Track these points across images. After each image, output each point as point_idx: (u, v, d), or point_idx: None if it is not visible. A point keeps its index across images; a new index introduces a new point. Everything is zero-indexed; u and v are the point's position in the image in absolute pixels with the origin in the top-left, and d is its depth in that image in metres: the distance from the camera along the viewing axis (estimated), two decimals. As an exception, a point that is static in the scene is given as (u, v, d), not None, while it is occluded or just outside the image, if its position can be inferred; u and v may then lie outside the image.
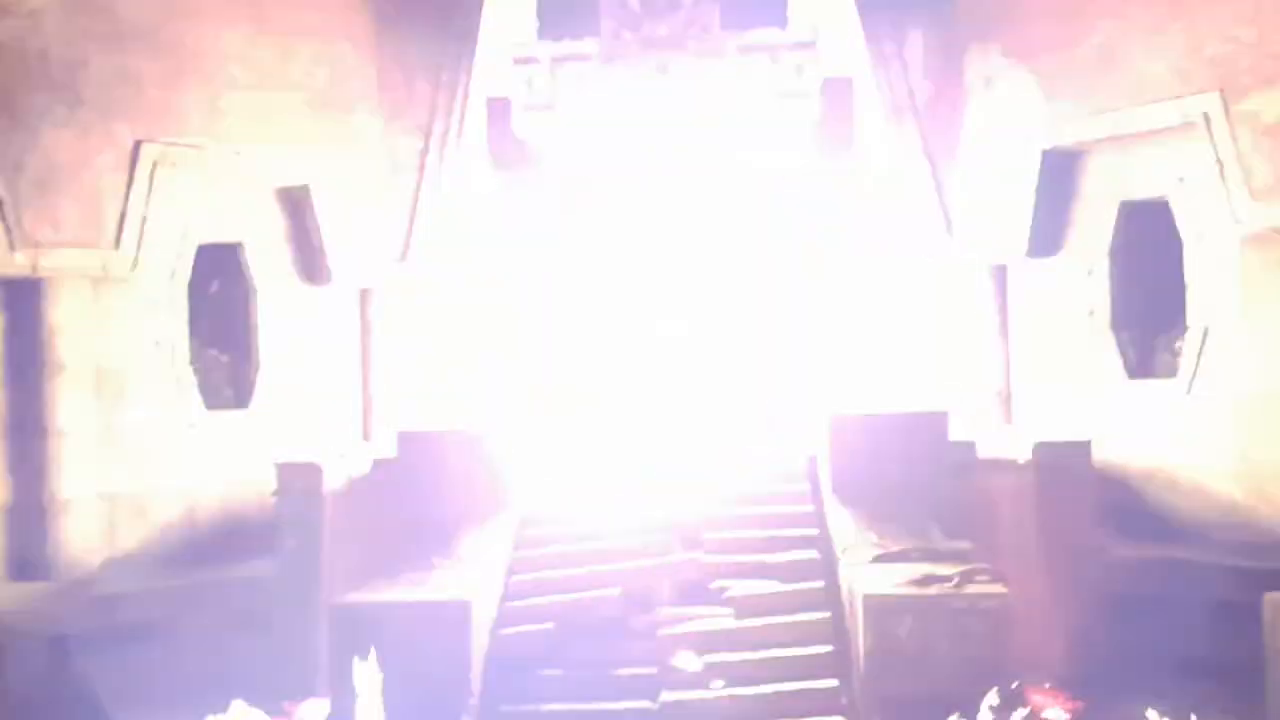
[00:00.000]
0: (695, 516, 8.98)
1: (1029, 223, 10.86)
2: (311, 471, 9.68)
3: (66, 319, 10.05)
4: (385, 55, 11.97)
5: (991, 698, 6.26)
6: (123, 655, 9.27)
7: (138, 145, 10.30)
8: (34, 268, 9.75)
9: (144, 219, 10.35)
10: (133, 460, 10.39)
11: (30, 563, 9.70)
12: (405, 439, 9.36)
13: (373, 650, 7.20)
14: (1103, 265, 10.73)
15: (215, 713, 8.29)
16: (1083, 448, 9.24)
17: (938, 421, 8.96)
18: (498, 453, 9.14)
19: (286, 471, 9.69)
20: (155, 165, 10.44)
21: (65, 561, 9.81)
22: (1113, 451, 9.48)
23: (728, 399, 11.09)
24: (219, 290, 11.99)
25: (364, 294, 11.98)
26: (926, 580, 7.42)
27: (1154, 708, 7.48)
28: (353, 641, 7.52)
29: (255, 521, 9.92)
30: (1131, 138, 10.19)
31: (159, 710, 8.27)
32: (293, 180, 11.44)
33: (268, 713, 8.62)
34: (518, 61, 12.22)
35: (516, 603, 8.36)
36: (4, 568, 9.49)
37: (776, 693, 7.51)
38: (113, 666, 9.14)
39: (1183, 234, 9.96)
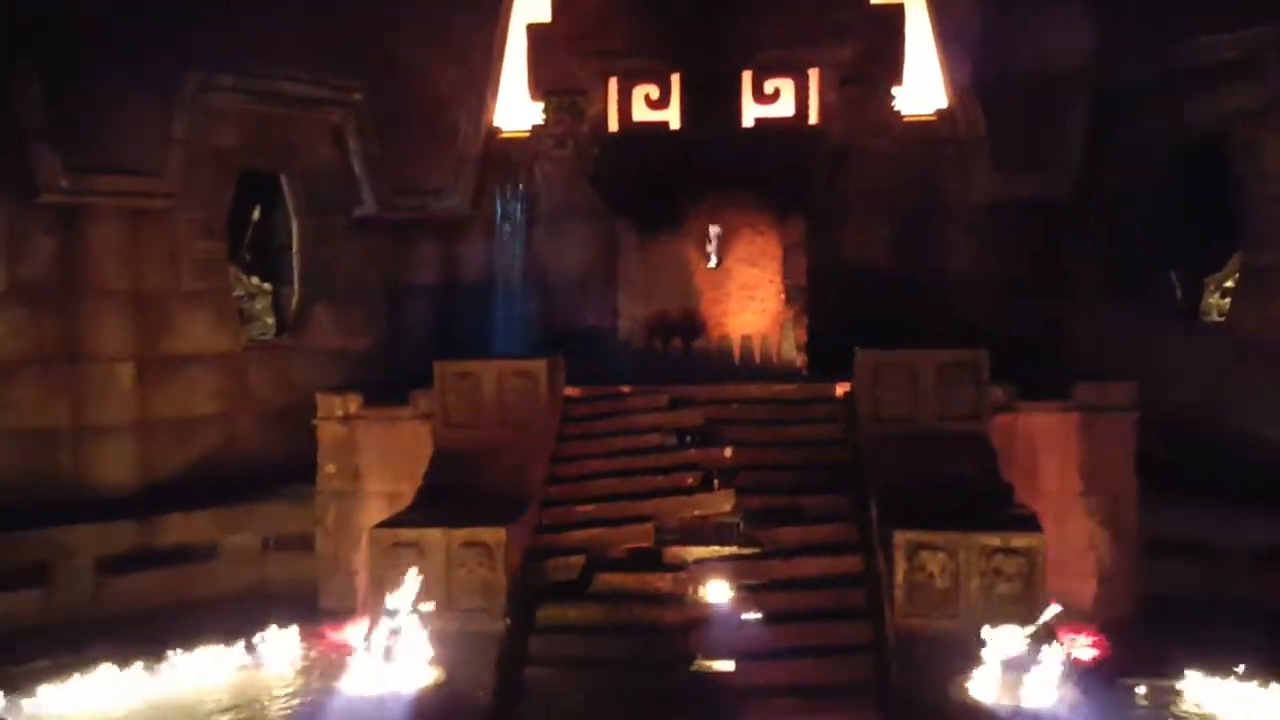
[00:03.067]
0: (730, 450, 8.97)
1: (1079, 157, 10.59)
2: (350, 399, 9.81)
3: (110, 245, 10.18)
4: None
5: (1021, 634, 6.24)
6: (165, 577, 9.54)
7: (181, 72, 10.30)
8: (78, 194, 9.85)
9: (187, 145, 10.40)
10: (174, 387, 10.57)
11: (72, 488, 9.93)
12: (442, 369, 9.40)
13: (411, 573, 7.33)
14: (1151, 202, 10.47)
15: (253, 637, 8.52)
16: (1126, 389, 9.10)
17: (976, 361, 8.83)
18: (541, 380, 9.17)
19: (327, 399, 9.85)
20: (198, 93, 10.46)
21: (106, 486, 10.03)
22: (1156, 393, 9.32)
23: (768, 332, 11.01)
24: (261, 219, 12.07)
25: (397, 225, 11.95)
26: (960, 519, 7.38)
27: (1187, 655, 7.47)
28: (392, 565, 7.64)
29: (295, 446, 10.05)
30: (1187, 73, 9.87)
31: (202, 633, 8.47)
32: (335, 110, 11.40)
33: (307, 635, 8.85)
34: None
35: (551, 534, 8.44)
36: (48, 493, 9.71)
37: (806, 627, 7.55)
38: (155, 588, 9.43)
39: (1237, 172, 9.66)
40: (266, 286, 11.99)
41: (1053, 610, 6.75)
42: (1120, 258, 10.56)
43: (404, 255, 12.12)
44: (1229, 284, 10.29)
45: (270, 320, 11.91)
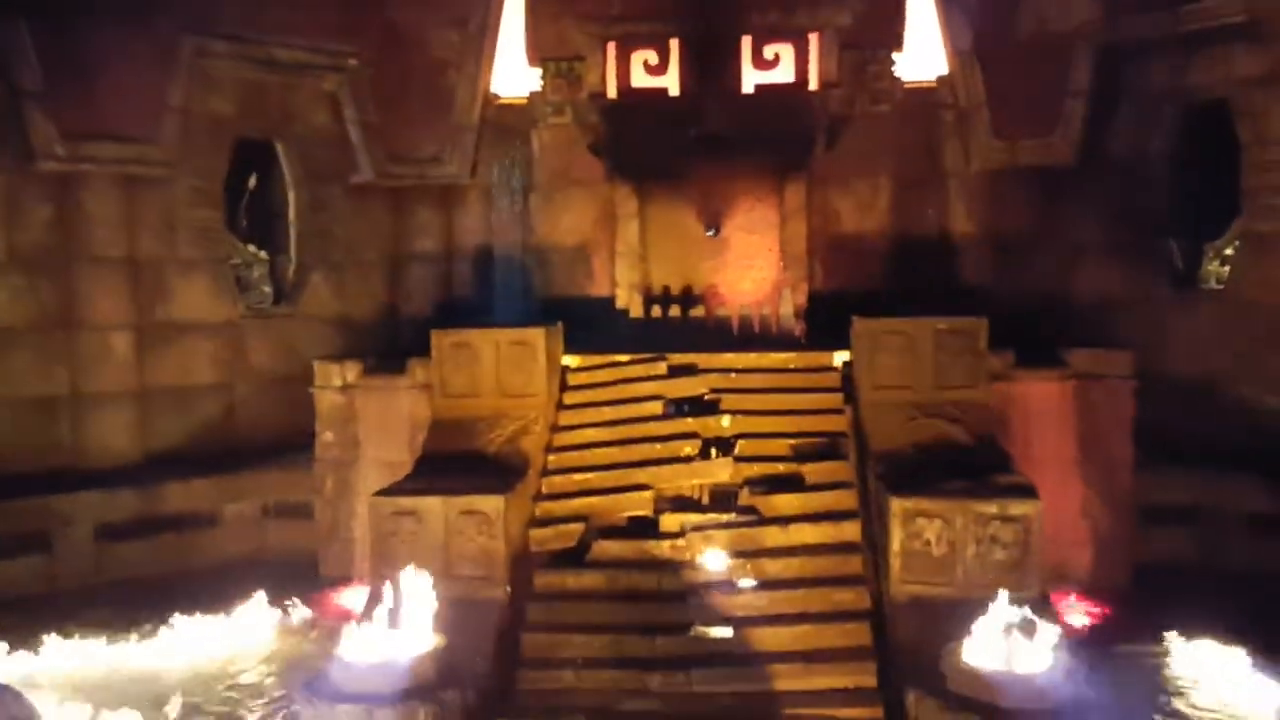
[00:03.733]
0: (728, 419, 8.97)
1: (1080, 123, 10.52)
2: (349, 367, 9.81)
3: (106, 213, 10.13)
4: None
5: (1015, 600, 6.27)
6: (166, 545, 9.58)
7: (177, 38, 10.21)
8: (74, 161, 9.79)
9: (183, 112, 10.33)
10: (172, 355, 10.56)
11: (72, 457, 9.94)
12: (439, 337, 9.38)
13: (412, 540, 7.37)
14: (1152, 168, 10.41)
15: (252, 603, 8.57)
16: (1123, 357, 9.10)
17: (974, 330, 8.82)
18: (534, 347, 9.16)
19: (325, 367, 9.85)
20: (194, 59, 10.37)
21: (106, 454, 10.04)
22: (1154, 360, 9.32)
23: (766, 301, 10.98)
24: (256, 187, 12.00)
25: (394, 193, 11.88)
26: (957, 486, 7.40)
27: (1181, 622, 7.52)
28: (391, 533, 7.68)
29: (293, 415, 10.06)
30: (1191, 37, 9.78)
31: (202, 599, 8.52)
32: (331, 76, 11.30)
33: (307, 602, 8.90)
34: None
35: (549, 503, 8.47)
36: (48, 461, 9.73)
37: (804, 594, 7.60)
38: (155, 556, 9.47)
39: (1240, 137, 9.60)
40: (263, 255, 11.94)
41: None
42: (1121, 224, 10.52)
43: (402, 223, 12.06)
44: (1229, 251, 10.27)
45: (267, 289, 11.87)
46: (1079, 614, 8.42)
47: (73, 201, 9.97)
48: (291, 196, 11.54)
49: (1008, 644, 6.14)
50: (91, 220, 10.07)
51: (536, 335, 9.24)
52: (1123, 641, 7.66)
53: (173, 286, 10.56)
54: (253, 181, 11.89)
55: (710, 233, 11.16)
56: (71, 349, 10.02)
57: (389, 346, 10.89)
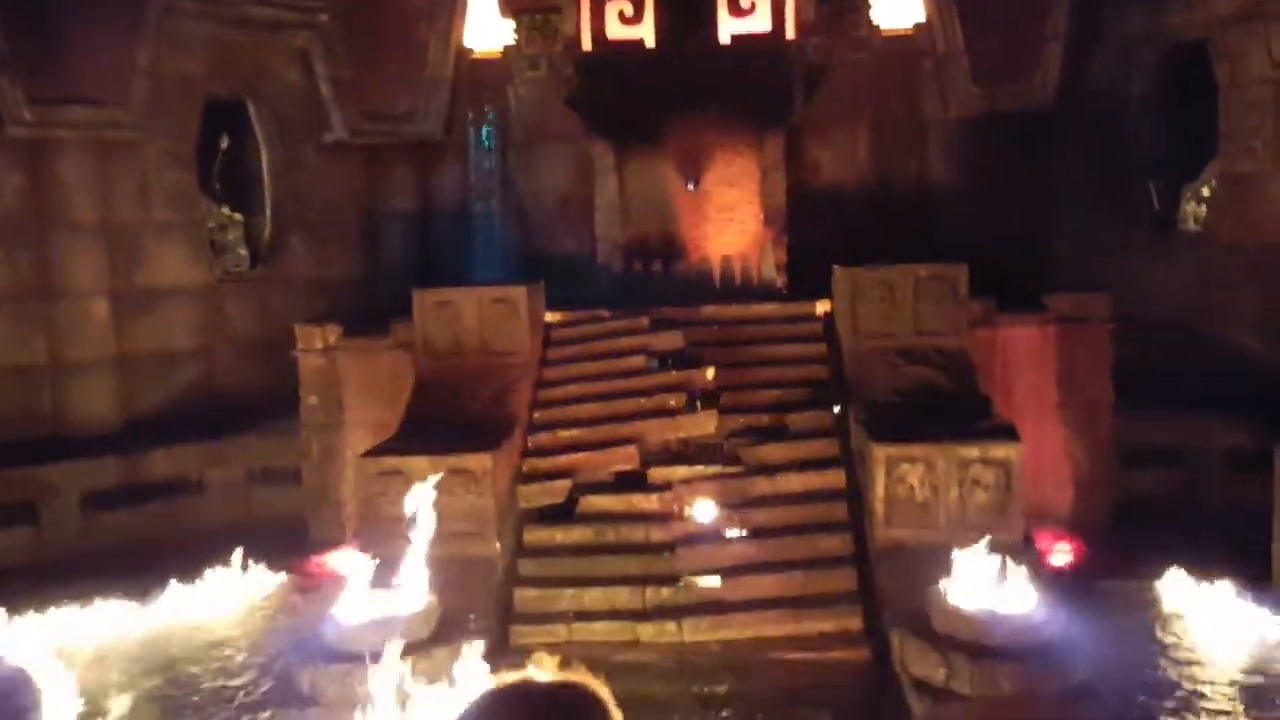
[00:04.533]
0: (712, 372, 9.00)
1: (1059, 67, 10.49)
2: (330, 330, 9.77)
3: (79, 178, 10.00)
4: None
5: (998, 541, 6.36)
6: (153, 512, 9.57)
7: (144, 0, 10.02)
8: (43, 127, 9.64)
9: (152, 74, 10.17)
10: (151, 320, 10.48)
11: (54, 425, 9.89)
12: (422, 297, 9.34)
13: (403, 501, 7.39)
14: (1131, 111, 10.42)
15: (242, 567, 8.60)
16: (1102, 300, 9.16)
17: (954, 276, 8.85)
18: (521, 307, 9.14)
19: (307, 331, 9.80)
20: (162, 18, 10.18)
21: (87, 422, 9.99)
22: (1134, 302, 9.39)
23: (747, 253, 10.97)
24: (229, 148, 11.85)
25: (369, 151, 11.75)
26: (939, 431, 7.47)
27: (1162, 558, 7.65)
28: (379, 494, 7.70)
29: (275, 379, 10.02)
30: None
31: (191, 565, 8.53)
32: (301, 33, 11.13)
33: (297, 564, 8.93)
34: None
35: (536, 459, 8.50)
36: (29, 430, 9.67)
37: (790, 542, 7.69)
38: (142, 523, 9.46)
39: (1218, 79, 9.61)
40: (238, 217, 11.82)
41: None
42: (1101, 168, 10.54)
43: (378, 182, 11.95)
44: (1206, 192, 10.31)
45: (244, 251, 11.76)
46: (1061, 553, 8.55)
47: (44, 168, 9.83)
48: (265, 157, 11.41)
49: (991, 584, 6.24)
50: (64, 186, 9.94)
51: (518, 293, 9.21)
52: (1105, 578, 7.79)
53: (149, 251, 10.46)
54: (225, 143, 11.73)
55: (690, 186, 11.11)
56: (49, 317, 9.93)
57: (369, 307, 10.84)
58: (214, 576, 8.46)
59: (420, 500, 6.62)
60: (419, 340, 9.17)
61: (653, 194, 11.32)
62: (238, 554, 8.61)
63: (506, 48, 11.64)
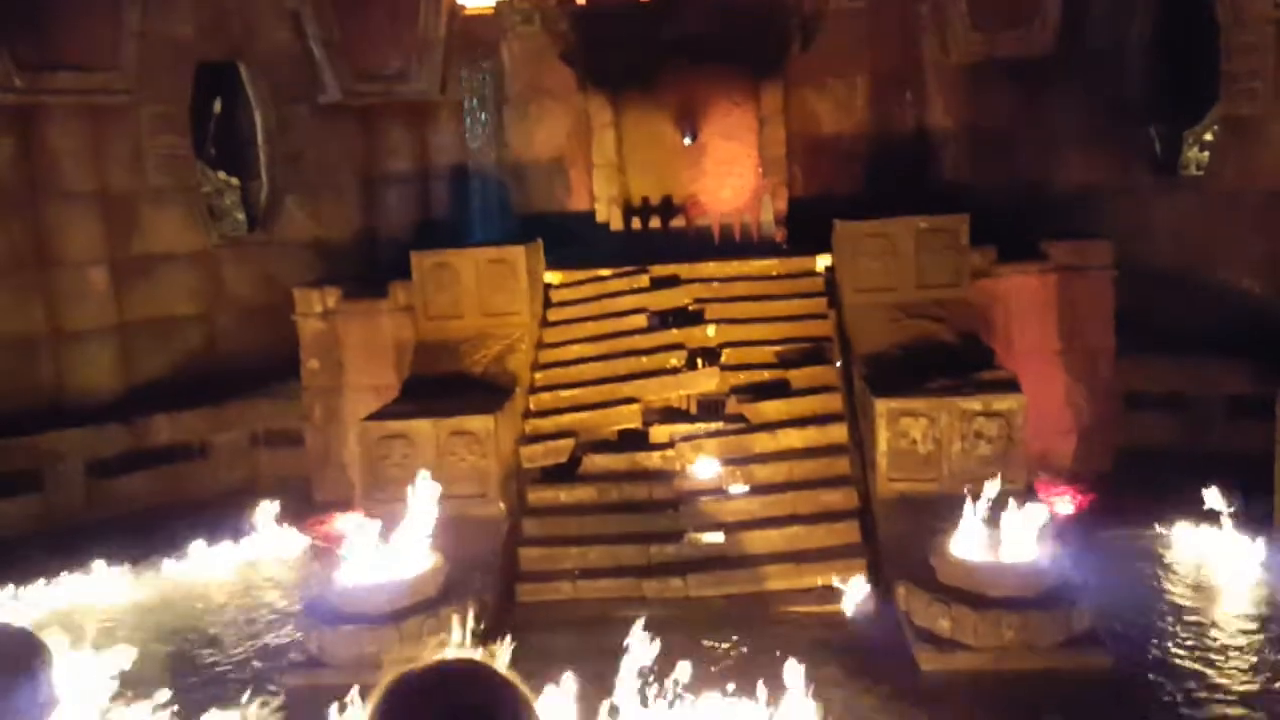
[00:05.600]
0: (713, 329, 8.98)
1: (1059, 12, 10.34)
2: (329, 293, 9.74)
3: (72, 145, 9.90)
4: None
5: (1000, 491, 6.38)
6: (158, 478, 9.61)
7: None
8: (34, 93, 9.54)
9: (141, 37, 10.04)
10: (149, 287, 10.44)
11: (55, 394, 9.89)
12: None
13: (404, 463, 7.42)
14: (1132, 55, 10.28)
15: (248, 531, 8.65)
16: (1103, 247, 9.11)
17: (955, 227, 8.79)
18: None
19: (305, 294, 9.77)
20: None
21: (89, 390, 9.98)
22: (1136, 249, 9.33)
23: (746, 208, 10.89)
24: (222, 111, 11.74)
25: (364, 112, 11.63)
26: (941, 385, 7.46)
27: (1165, 504, 7.67)
28: (382, 457, 7.72)
29: (276, 343, 10.01)
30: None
31: (197, 529, 8.58)
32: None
33: (302, 527, 8.98)
34: None
35: (538, 420, 8.50)
36: (31, 400, 9.67)
37: (793, 497, 7.71)
38: (147, 489, 9.50)
39: (1219, 19, 9.46)
40: (234, 181, 11.75)
41: None
42: (1101, 113, 10.42)
43: (374, 144, 11.83)
44: (1208, 137, 10.21)
45: (240, 216, 11.70)
46: (1064, 502, 8.58)
47: (36, 135, 9.74)
48: (259, 120, 11.30)
49: (994, 535, 6.27)
50: (57, 153, 9.85)
51: (517, 253, 9.17)
52: (1108, 526, 7.82)
53: (145, 218, 10.40)
54: (218, 106, 11.63)
55: (687, 140, 11.01)
56: (47, 286, 9.88)
57: (368, 270, 10.80)
58: (220, 540, 8.51)
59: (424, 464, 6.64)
60: (418, 303, 9.14)
61: (650, 149, 11.23)
62: (243, 517, 8.66)
63: (499, 3, 11.49)
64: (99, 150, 10.06)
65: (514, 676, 1.65)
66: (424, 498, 6.64)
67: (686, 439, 8.19)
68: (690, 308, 9.30)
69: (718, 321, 9.09)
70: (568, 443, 8.34)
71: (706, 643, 6.44)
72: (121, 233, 10.23)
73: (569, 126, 11.71)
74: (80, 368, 9.99)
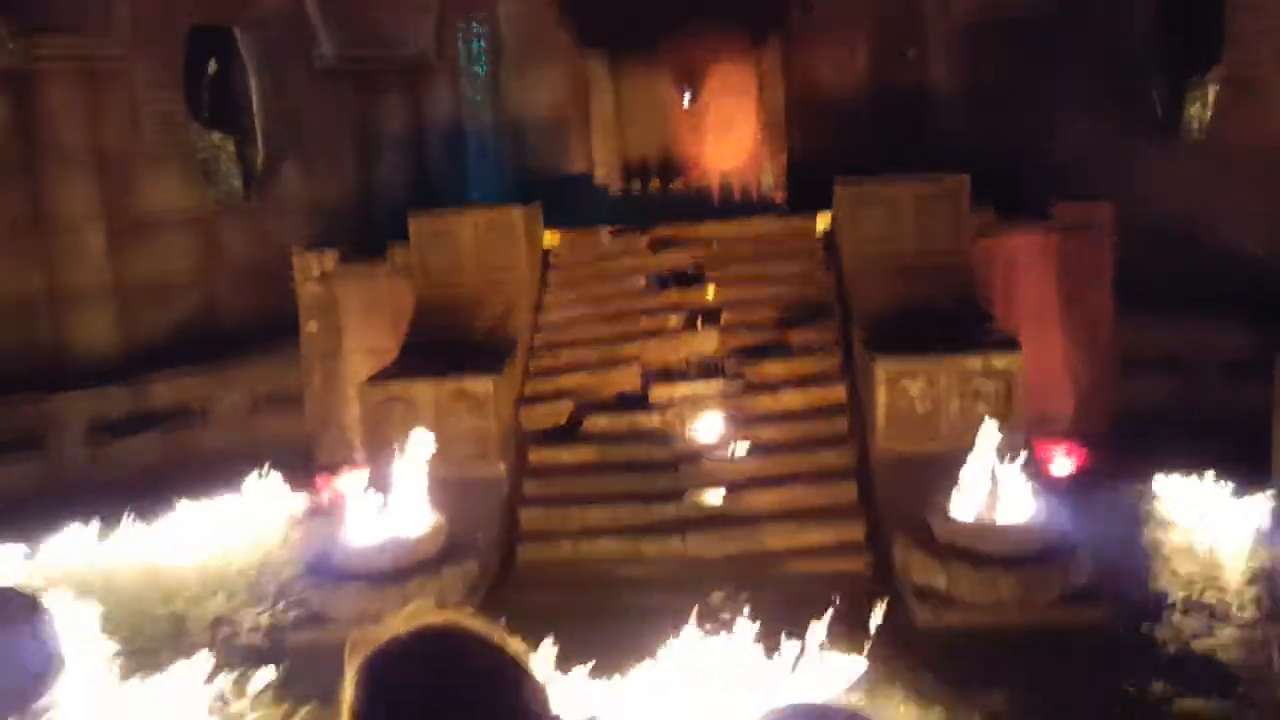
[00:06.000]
0: (712, 290, 8.97)
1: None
2: (327, 256, 9.72)
3: (67, 108, 9.84)
4: None
5: (998, 451, 6.40)
6: (159, 440, 9.64)
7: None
8: (28, 57, 9.46)
9: (133, 1, 9.94)
10: (147, 250, 10.41)
11: (55, 357, 9.89)
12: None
13: (404, 424, 7.45)
14: (1135, 14, 10.19)
15: (251, 492, 8.69)
16: (1104, 208, 9.08)
17: (955, 188, 8.75)
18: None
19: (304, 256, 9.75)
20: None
21: (88, 353, 9.99)
22: (1135, 209, 9.30)
23: (746, 168, 10.86)
24: (217, 72, 11.65)
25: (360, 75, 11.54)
26: (940, 345, 7.47)
27: (1162, 464, 7.71)
28: (383, 419, 7.74)
29: (274, 305, 10.00)
30: None
31: (200, 490, 8.63)
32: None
33: (304, 488, 9.03)
34: None
35: (538, 381, 8.52)
36: (31, 362, 9.68)
37: (792, 456, 7.74)
38: (149, 451, 9.53)
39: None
40: (230, 143, 11.68)
41: None
42: (1103, 73, 10.34)
43: (370, 106, 11.76)
44: (1210, 96, 10.14)
45: (236, 180, 11.65)
46: (1062, 461, 8.61)
47: (31, 98, 9.67)
48: (253, 83, 11.21)
49: (991, 494, 6.31)
50: (53, 116, 9.79)
51: (515, 214, 9.14)
52: (1105, 485, 7.86)
53: (141, 180, 10.35)
54: (212, 67, 11.55)
55: (686, 100, 10.95)
56: (45, 249, 9.85)
57: (365, 232, 10.76)
58: (222, 501, 8.56)
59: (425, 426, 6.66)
60: (417, 265, 9.13)
61: (649, 110, 11.17)
62: (244, 478, 8.70)
63: (495, -38, 11.37)
64: (94, 113, 10.00)
65: (500, 632, 1.53)
66: (420, 456, 6.67)
67: (686, 400, 8.21)
68: (690, 269, 9.29)
69: (717, 282, 9.08)
70: (567, 404, 8.37)
71: (706, 602, 6.50)
72: (118, 195, 10.19)
73: (567, 87, 11.63)
74: (79, 330, 9.99)
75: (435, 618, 1.52)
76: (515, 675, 1.48)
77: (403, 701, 1.43)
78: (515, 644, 1.52)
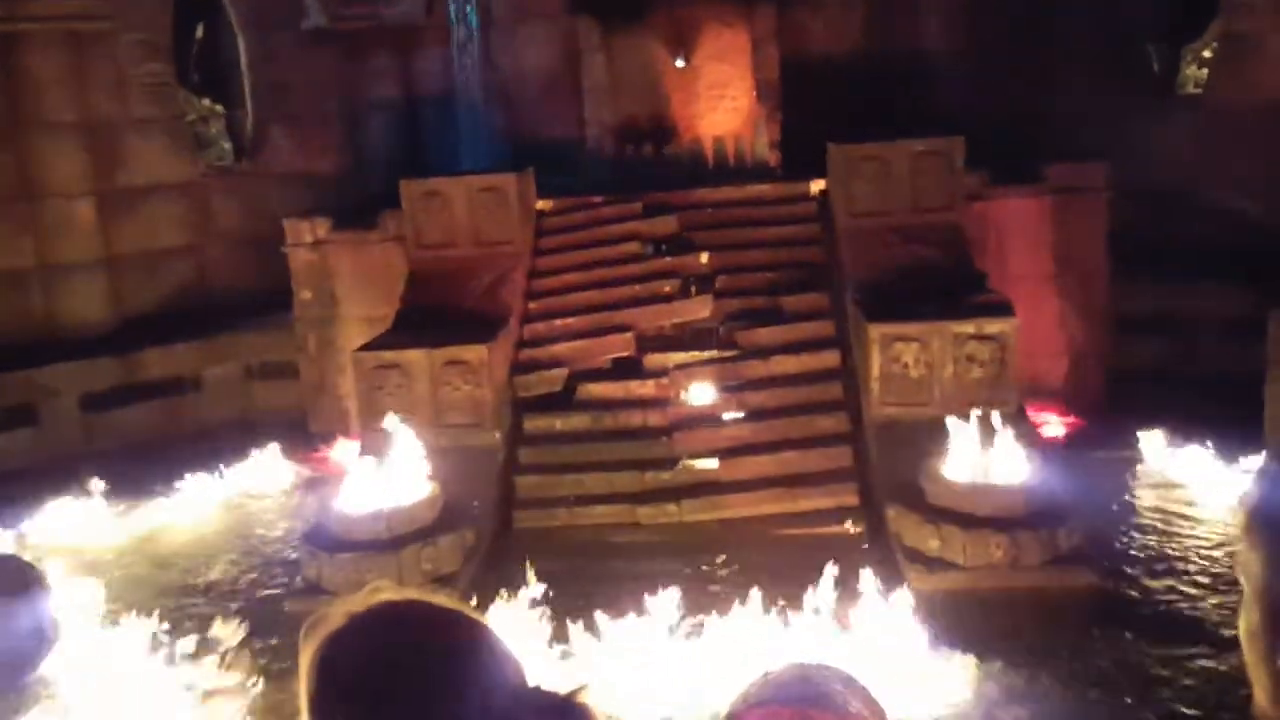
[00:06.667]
0: (706, 256, 8.94)
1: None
2: (319, 223, 9.66)
3: (53, 74, 9.74)
4: None
5: (991, 414, 6.41)
6: (153, 411, 9.62)
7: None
8: (12, 20, 9.34)
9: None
10: (137, 219, 10.34)
11: (46, 328, 9.85)
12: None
13: (399, 393, 7.44)
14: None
15: (245, 462, 8.70)
16: (1099, 169, 9.03)
17: (949, 150, 8.69)
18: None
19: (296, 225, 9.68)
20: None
21: (80, 324, 9.95)
22: (1131, 169, 9.25)
23: (740, 132, 10.76)
24: (205, 36, 11.52)
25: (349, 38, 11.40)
26: (934, 309, 7.45)
27: (1155, 426, 7.73)
28: (377, 387, 7.73)
29: (266, 274, 9.95)
30: None
31: (194, 461, 8.63)
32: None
33: (299, 457, 9.04)
34: None
35: (532, 349, 8.49)
36: (22, 334, 9.64)
37: (786, 422, 7.75)
38: (142, 422, 9.52)
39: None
40: (219, 109, 11.57)
41: None
42: (1100, 33, 10.25)
43: (360, 70, 11.64)
44: (1207, 54, 10.06)
45: (226, 145, 11.55)
46: (1055, 424, 8.63)
47: (16, 63, 9.57)
48: (241, 47, 11.09)
49: (984, 457, 6.32)
50: (39, 82, 9.69)
51: (508, 180, 9.07)
52: (1099, 448, 7.89)
53: (131, 148, 10.26)
54: (200, 32, 11.41)
55: (679, 63, 10.82)
56: (34, 219, 9.79)
57: (357, 198, 10.68)
58: (217, 471, 8.57)
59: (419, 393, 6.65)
60: (409, 232, 9.07)
61: (641, 73, 11.04)
62: (239, 448, 8.70)
63: (484, -79, 11.20)
64: (81, 79, 9.89)
65: (466, 607, 1.46)
66: (419, 427, 6.67)
67: (680, 367, 8.20)
68: (683, 235, 9.24)
69: (711, 248, 9.04)
70: (562, 371, 8.35)
71: (700, 566, 6.53)
72: (106, 163, 10.11)
73: (558, 50, 11.49)
74: (70, 301, 9.95)
75: (394, 595, 1.45)
76: (481, 650, 1.41)
77: (359, 686, 1.36)
78: (481, 618, 1.45)
